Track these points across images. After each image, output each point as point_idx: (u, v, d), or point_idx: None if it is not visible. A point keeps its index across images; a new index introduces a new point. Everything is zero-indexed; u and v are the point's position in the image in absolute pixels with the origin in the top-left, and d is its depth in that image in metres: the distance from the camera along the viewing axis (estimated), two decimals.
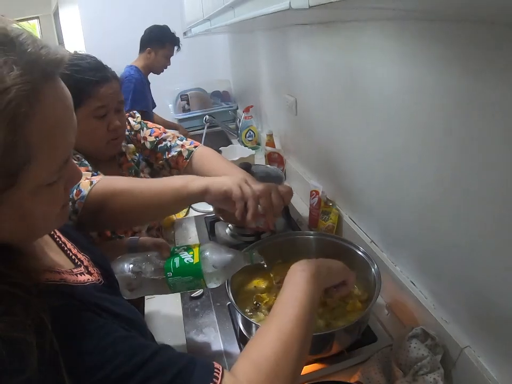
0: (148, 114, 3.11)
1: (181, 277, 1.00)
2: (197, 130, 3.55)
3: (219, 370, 0.65)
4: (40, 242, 0.75)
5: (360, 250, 1.23)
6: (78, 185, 1.05)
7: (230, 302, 1.29)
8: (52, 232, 0.83)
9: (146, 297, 1.39)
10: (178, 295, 1.42)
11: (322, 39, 1.56)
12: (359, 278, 1.26)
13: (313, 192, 1.70)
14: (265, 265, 1.09)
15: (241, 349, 1.17)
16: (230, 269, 1.04)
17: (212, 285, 1.03)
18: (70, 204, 1.03)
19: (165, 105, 3.80)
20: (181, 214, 2.00)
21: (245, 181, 1.07)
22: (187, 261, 1.00)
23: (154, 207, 1.08)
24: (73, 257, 0.82)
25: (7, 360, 0.50)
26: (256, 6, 0.80)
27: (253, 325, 1.05)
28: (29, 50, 0.52)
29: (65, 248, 0.83)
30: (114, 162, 1.48)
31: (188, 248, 1.04)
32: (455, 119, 0.90)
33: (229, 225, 1.78)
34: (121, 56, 3.11)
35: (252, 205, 1.03)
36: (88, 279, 0.78)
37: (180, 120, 3.69)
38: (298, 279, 0.84)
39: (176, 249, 1.05)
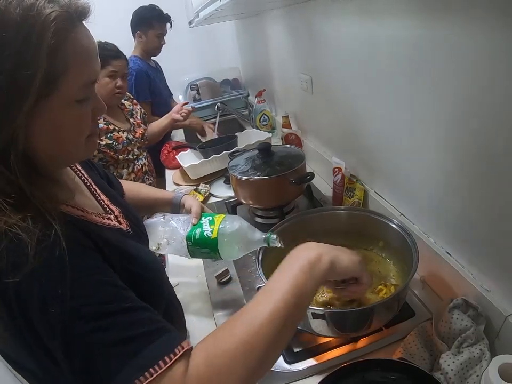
0: (156, 104, 3.10)
1: (199, 247, 1.09)
2: (210, 119, 3.50)
3: (179, 351, 0.63)
4: (74, 185, 0.85)
5: (394, 223, 1.19)
6: None
7: (259, 285, 1.28)
8: (88, 183, 0.95)
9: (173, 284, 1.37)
10: (204, 280, 1.42)
11: (334, 12, 1.52)
12: (394, 252, 1.23)
13: (336, 169, 1.66)
14: (282, 247, 1.07)
15: None
16: (245, 248, 1.08)
17: (227, 259, 1.12)
18: None
19: (175, 96, 3.76)
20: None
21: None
22: (206, 234, 1.08)
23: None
24: (105, 206, 0.92)
25: (13, 253, 0.60)
26: None
27: None
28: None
29: (99, 198, 0.93)
30: (118, 108, 2.40)
31: (211, 221, 1.11)
32: (477, 80, 0.87)
33: (250, 208, 1.75)
34: (123, 49, 3.10)
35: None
36: (115, 225, 0.88)
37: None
38: (291, 266, 0.75)
39: (203, 218, 1.14)
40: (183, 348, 0.63)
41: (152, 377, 0.59)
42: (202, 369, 0.62)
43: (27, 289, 0.60)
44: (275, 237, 1.06)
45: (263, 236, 1.07)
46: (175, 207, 1.29)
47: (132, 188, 1.34)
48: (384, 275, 1.22)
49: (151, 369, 0.59)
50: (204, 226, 1.10)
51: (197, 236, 1.08)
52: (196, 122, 3.08)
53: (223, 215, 1.13)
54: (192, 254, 1.12)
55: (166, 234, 1.13)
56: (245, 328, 0.65)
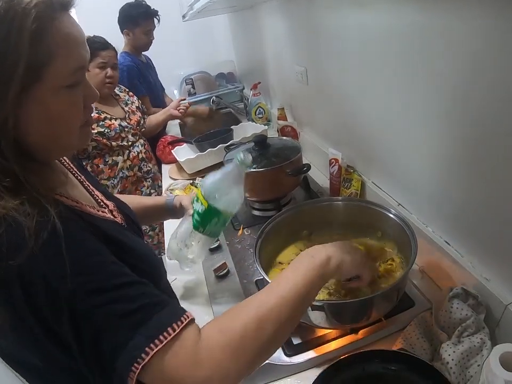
0: (151, 98, 3.08)
1: (209, 225, 1.08)
2: None
3: (186, 318, 0.66)
4: (67, 178, 0.85)
5: (392, 213, 1.18)
6: None
7: (257, 278, 1.28)
8: (82, 180, 0.95)
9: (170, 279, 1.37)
10: (202, 274, 1.42)
11: (328, 2, 1.51)
12: (393, 242, 1.23)
13: (333, 160, 1.65)
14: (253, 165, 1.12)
15: None
16: (236, 188, 1.08)
17: (234, 209, 1.09)
18: None
19: (170, 91, 3.75)
20: None
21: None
22: (200, 210, 1.07)
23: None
24: (99, 200, 0.93)
25: (13, 237, 0.60)
26: None
27: None
28: None
29: (93, 193, 0.93)
30: (112, 97, 2.47)
31: (196, 198, 1.10)
32: (473, 67, 0.86)
33: (247, 201, 1.74)
34: (120, 44, 3.06)
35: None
36: (110, 217, 0.89)
37: None
38: (303, 263, 0.81)
39: (193, 204, 1.12)
40: (188, 317, 0.67)
41: (162, 344, 0.61)
42: (214, 341, 0.65)
43: (30, 272, 0.60)
44: (241, 154, 1.05)
45: (235, 164, 1.06)
46: (170, 210, 1.30)
47: (123, 198, 1.32)
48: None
49: (160, 337, 0.62)
50: (195, 208, 1.09)
51: (199, 219, 1.08)
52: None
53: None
54: (213, 235, 1.12)
55: (186, 247, 1.14)
56: (256, 310, 0.69)
